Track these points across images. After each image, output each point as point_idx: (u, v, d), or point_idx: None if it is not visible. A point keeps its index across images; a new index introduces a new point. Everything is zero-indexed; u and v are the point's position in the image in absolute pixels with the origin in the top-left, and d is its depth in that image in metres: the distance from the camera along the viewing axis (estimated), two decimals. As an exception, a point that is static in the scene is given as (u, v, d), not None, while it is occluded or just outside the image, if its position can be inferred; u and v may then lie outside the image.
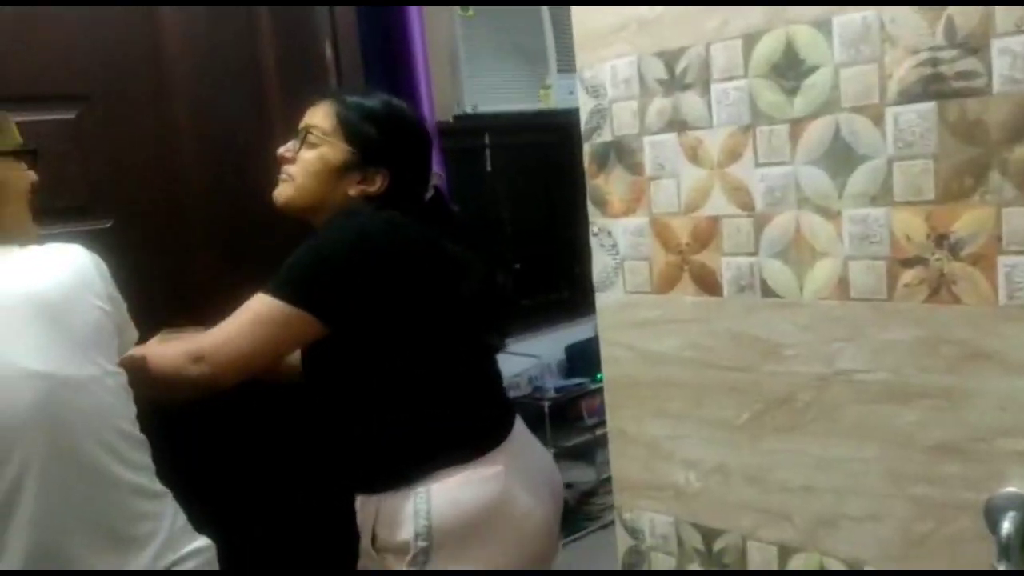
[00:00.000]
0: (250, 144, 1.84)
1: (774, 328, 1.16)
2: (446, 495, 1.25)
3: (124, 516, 1.00)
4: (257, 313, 1.21)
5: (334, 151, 1.32)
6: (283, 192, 1.35)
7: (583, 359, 3.58)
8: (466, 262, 1.31)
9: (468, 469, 1.26)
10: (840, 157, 1.07)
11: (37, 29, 1.58)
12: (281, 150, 1.36)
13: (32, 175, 1.13)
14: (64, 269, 1.03)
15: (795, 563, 1.19)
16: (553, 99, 3.48)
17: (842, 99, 1.06)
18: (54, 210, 1.63)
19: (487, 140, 3.44)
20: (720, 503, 1.24)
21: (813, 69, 1.08)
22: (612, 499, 3.67)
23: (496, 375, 1.44)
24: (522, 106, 3.39)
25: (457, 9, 3.14)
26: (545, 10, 3.40)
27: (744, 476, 1.21)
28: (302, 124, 1.37)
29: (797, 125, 1.10)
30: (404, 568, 1.25)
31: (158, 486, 1.07)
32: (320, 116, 1.35)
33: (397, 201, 1.32)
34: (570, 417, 3.50)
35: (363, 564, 1.33)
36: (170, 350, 1.21)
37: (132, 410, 1.04)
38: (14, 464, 0.93)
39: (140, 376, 1.18)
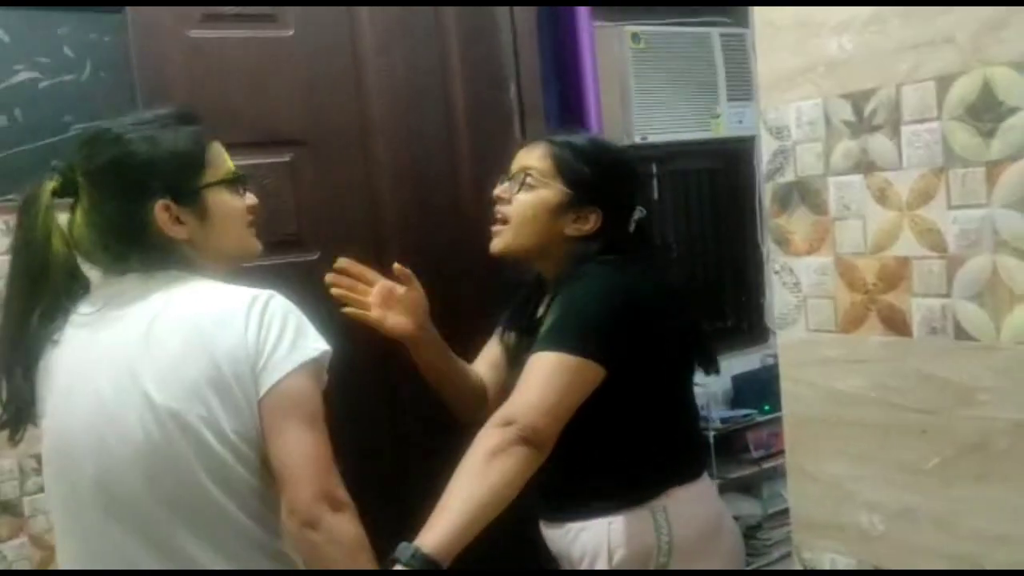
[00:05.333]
0: (439, 176, 1.99)
1: (967, 371, 1.13)
2: (683, 509, 1.29)
3: None
4: (550, 369, 1.20)
5: (552, 193, 1.34)
6: (501, 240, 1.37)
7: (750, 390, 3.50)
8: (682, 297, 1.37)
9: (698, 484, 1.32)
10: (1042, 200, 1.04)
11: (266, 83, 1.79)
12: (497, 191, 1.38)
13: (249, 198, 1.15)
14: (227, 306, 1.02)
15: (988, 615, 1.15)
16: (723, 127, 3.47)
17: (1044, 141, 1.03)
18: (270, 244, 1.83)
19: (655, 170, 3.48)
20: (906, 547, 1.22)
21: (1013, 111, 1.06)
22: (778, 534, 3.53)
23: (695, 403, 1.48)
24: (691, 135, 3.40)
25: (628, 40, 3.21)
26: (716, 38, 3.41)
27: (933, 521, 1.19)
28: (517, 166, 1.38)
29: (994, 168, 1.08)
30: None
31: (277, 545, 1.03)
32: (536, 158, 1.36)
33: (607, 236, 1.35)
34: (736, 449, 3.43)
35: None
36: (477, 440, 1.13)
37: (250, 459, 1.00)
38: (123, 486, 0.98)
39: (476, 478, 1.09)
